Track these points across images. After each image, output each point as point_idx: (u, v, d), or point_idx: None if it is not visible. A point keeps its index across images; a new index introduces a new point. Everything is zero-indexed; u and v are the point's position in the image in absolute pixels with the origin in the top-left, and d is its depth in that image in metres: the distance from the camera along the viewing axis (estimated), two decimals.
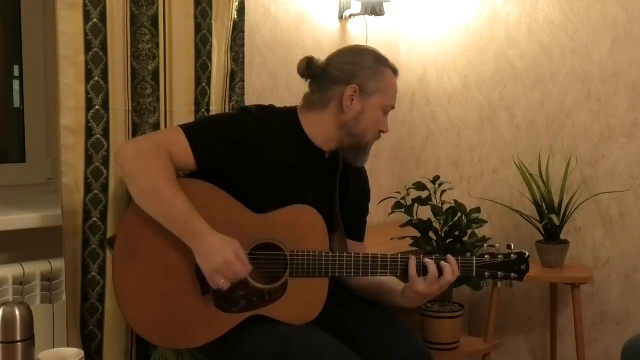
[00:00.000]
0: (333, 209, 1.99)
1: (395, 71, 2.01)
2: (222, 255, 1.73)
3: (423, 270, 1.86)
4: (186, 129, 1.87)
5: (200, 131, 1.88)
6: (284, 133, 1.93)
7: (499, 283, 1.94)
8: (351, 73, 1.92)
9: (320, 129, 1.95)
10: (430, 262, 1.85)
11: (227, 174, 1.87)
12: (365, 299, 2.02)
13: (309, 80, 1.99)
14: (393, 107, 2.01)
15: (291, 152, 1.93)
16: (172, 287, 1.81)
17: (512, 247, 1.94)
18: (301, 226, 1.87)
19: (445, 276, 1.85)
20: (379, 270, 1.89)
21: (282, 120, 1.95)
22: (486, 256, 1.91)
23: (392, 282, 1.99)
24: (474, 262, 1.90)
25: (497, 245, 1.99)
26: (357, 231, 2.11)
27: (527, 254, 1.93)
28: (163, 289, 1.81)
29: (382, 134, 2.01)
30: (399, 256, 1.89)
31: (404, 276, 1.89)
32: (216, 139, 1.86)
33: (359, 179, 2.11)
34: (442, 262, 1.86)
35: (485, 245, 2.02)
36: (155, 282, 1.81)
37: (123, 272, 1.81)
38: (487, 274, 1.91)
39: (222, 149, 1.86)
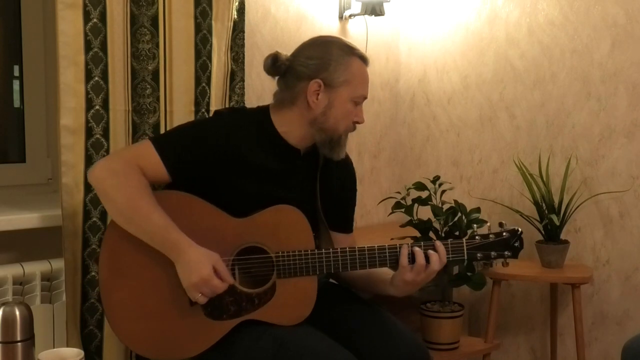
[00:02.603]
0: (315, 206, 1.97)
1: (364, 59, 1.93)
2: (198, 271, 1.72)
3: (412, 259, 1.83)
4: (155, 141, 1.85)
5: (169, 142, 1.86)
6: (257, 134, 1.90)
7: (494, 263, 1.88)
8: (315, 67, 1.88)
9: (292, 128, 1.92)
10: (418, 251, 1.83)
11: (203, 182, 1.85)
12: (357, 290, 2.01)
13: (276, 77, 1.96)
14: (365, 97, 1.94)
15: (266, 152, 1.90)
16: (160, 300, 1.80)
17: (505, 225, 1.90)
18: (284, 226, 1.85)
19: (431, 265, 1.82)
20: (367, 263, 1.87)
21: (255, 121, 1.92)
22: (477, 237, 1.88)
23: (381, 271, 1.95)
24: (464, 244, 1.87)
25: (489, 224, 1.96)
26: (345, 223, 2.08)
27: (520, 230, 1.89)
28: (152, 302, 1.80)
29: (357, 124, 1.95)
30: (387, 246, 1.86)
31: (394, 265, 1.87)
32: (187, 147, 1.84)
33: (343, 171, 2.05)
34: (430, 251, 1.83)
35: (475, 226, 1.96)
36: (143, 296, 1.80)
37: (111, 290, 1.81)
38: (479, 255, 1.87)
39: (193, 157, 1.84)
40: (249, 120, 1.92)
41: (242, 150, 1.86)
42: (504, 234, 1.89)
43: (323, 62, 1.88)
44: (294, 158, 1.95)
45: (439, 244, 1.85)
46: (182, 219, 1.76)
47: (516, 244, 1.89)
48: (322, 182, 1.99)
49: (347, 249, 1.87)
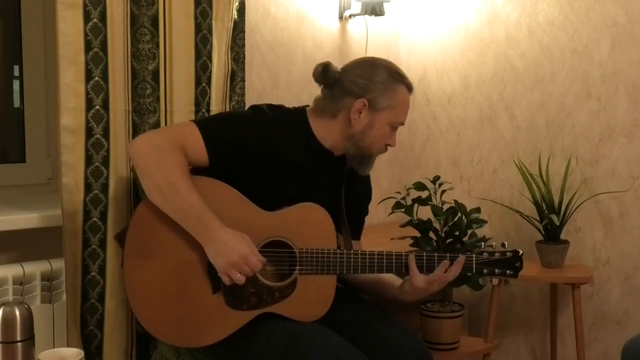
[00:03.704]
0: (339, 207, 2.01)
1: (409, 88, 2.00)
2: (237, 250, 1.75)
3: (427, 268, 1.90)
4: (200, 124, 1.88)
5: (213, 127, 1.89)
6: (293, 133, 1.94)
7: (495, 280, 1.98)
8: (363, 87, 1.93)
9: (328, 135, 1.97)
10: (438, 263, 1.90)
11: (237, 171, 1.88)
12: (364, 292, 2.04)
13: (322, 86, 2.00)
14: (402, 124, 2.02)
15: (300, 151, 1.94)
16: (184, 285, 1.82)
17: (506, 245, 1.98)
18: (309, 224, 1.89)
19: (446, 275, 1.89)
20: (385, 268, 1.91)
21: (292, 120, 1.96)
22: (484, 254, 1.95)
23: (391, 277, 2.02)
24: (474, 259, 1.93)
25: (494, 243, 2.03)
26: (357, 230, 2.14)
27: (521, 252, 1.97)
28: (175, 286, 1.82)
29: (388, 147, 2.03)
30: (403, 254, 1.92)
31: (407, 273, 1.92)
32: (229, 136, 1.87)
33: (363, 182, 2.13)
34: (445, 261, 1.90)
35: (482, 243, 2.05)
36: (167, 279, 1.82)
37: (135, 269, 1.82)
38: (485, 270, 1.94)
39: (234, 146, 1.87)
40: (288, 118, 1.96)
41: (279, 146, 1.90)
42: (507, 253, 1.95)
43: (371, 83, 1.93)
44: (327, 160, 1.99)
45: (462, 256, 1.91)
46: (212, 205, 1.78)
47: (517, 264, 1.96)
48: (347, 187, 2.04)
49: (367, 252, 1.91)
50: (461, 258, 1.90)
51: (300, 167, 1.93)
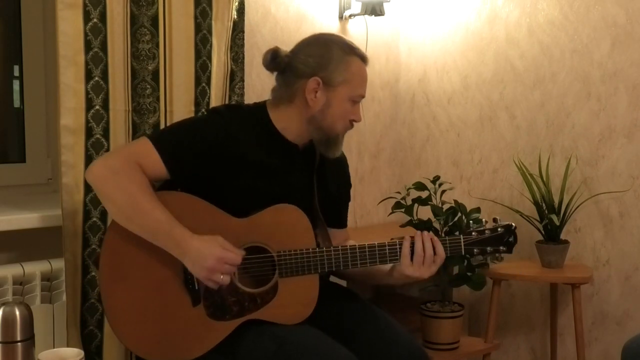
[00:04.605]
0: (312, 202, 1.96)
1: (363, 58, 1.93)
2: (211, 254, 1.72)
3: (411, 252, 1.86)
4: (154, 138, 1.83)
5: (168, 139, 1.85)
6: (255, 130, 1.89)
7: (489, 258, 1.92)
8: (315, 65, 1.87)
9: (290, 124, 1.91)
10: (417, 240, 1.85)
11: (202, 180, 1.85)
12: (354, 281, 2.02)
13: (275, 73, 1.95)
14: (363, 96, 1.94)
15: (264, 149, 1.89)
16: (163, 301, 1.80)
17: (499, 220, 1.93)
18: (285, 225, 1.85)
19: (430, 255, 1.85)
20: (368, 260, 1.87)
21: (252, 118, 1.91)
22: (473, 233, 1.90)
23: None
24: (462, 240, 1.89)
25: (484, 220, 1.97)
26: (339, 219, 2.09)
27: (514, 225, 1.92)
28: (155, 304, 1.80)
29: (355, 123, 1.95)
30: (386, 243, 1.88)
31: (394, 262, 1.88)
32: (185, 145, 1.83)
33: (337, 168, 2.06)
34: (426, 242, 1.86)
35: (471, 222, 1.99)
36: (145, 298, 1.79)
37: (112, 292, 1.80)
38: (475, 250, 1.90)
39: (192, 154, 1.82)
40: (247, 117, 1.92)
41: (240, 146, 1.86)
42: (499, 229, 1.91)
43: (323, 61, 1.87)
44: (293, 154, 1.94)
45: (427, 234, 1.86)
46: (183, 219, 1.76)
47: (510, 239, 1.91)
48: (319, 178, 1.99)
49: (348, 246, 1.88)
50: (426, 233, 1.85)
51: (267, 165, 1.88)
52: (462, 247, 1.89)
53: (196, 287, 1.79)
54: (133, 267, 1.80)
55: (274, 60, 1.91)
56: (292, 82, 1.90)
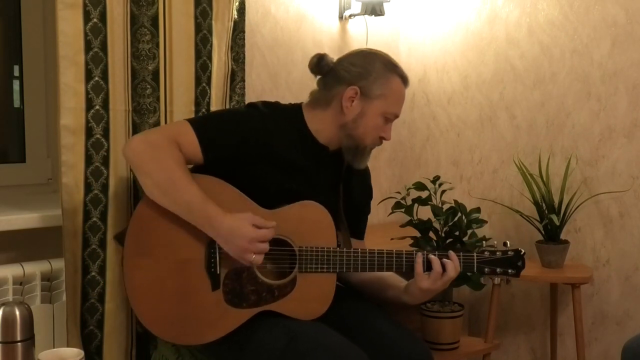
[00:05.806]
0: (337, 205, 2.00)
1: (404, 79, 1.99)
2: (242, 235, 1.75)
3: (427, 267, 1.89)
4: (193, 122, 1.88)
5: (207, 125, 1.89)
6: (288, 129, 1.94)
7: (497, 279, 1.99)
8: (356, 74, 1.93)
9: (322, 127, 1.97)
10: (434, 259, 1.88)
11: (232, 169, 1.88)
12: (367, 294, 2.04)
13: (317, 77, 2.00)
14: (397, 116, 2.00)
15: (295, 148, 1.93)
16: (184, 283, 1.82)
17: (508, 245, 1.98)
18: (309, 222, 1.89)
19: (448, 272, 1.88)
20: (385, 266, 1.91)
21: (287, 117, 1.96)
22: (486, 252, 1.95)
23: (394, 278, 2.01)
24: (475, 258, 1.94)
25: (495, 242, 2.03)
26: (359, 229, 2.13)
27: (523, 251, 1.98)
28: (175, 285, 1.82)
29: (383, 141, 2.01)
30: (404, 252, 1.92)
31: (409, 272, 1.91)
32: (222, 133, 1.87)
33: (362, 177, 2.12)
34: (444, 259, 1.89)
35: (484, 242, 2.05)
36: (167, 278, 1.82)
37: (135, 268, 1.82)
38: (486, 269, 1.95)
39: (228, 143, 1.87)
40: (282, 115, 1.96)
41: (274, 143, 1.90)
42: (509, 252, 1.96)
43: (364, 71, 1.93)
44: (322, 156, 1.98)
45: (452, 253, 1.91)
46: (213, 201, 1.78)
47: (519, 263, 1.97)
48: (345, 184, 2.03)
49: (367, 250, 1.91)
50: (452, 255, 1.90)
51: (297, 164, 1.93)
52: (475, 265, 1.94)
53: (217, 272, 1.81)
54: (158, 246, 1.82)
55: (319, 63, 1.97)
56: (331, 87, 1.96)
